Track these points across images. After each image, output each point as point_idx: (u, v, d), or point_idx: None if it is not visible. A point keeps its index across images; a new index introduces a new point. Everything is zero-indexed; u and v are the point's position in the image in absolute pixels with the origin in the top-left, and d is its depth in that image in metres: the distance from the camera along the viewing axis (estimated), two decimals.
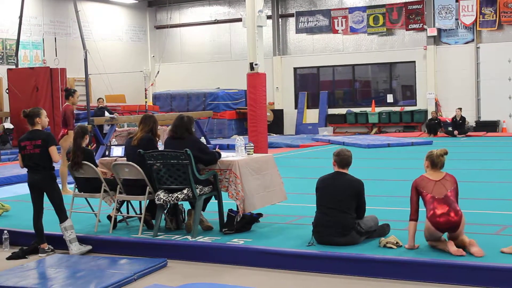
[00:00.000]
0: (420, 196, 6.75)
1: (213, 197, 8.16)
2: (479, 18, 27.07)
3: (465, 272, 6.17)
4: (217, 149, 8.29)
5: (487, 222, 7.77)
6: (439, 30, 27.91)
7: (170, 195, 7.78)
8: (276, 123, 29.29)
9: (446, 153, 6.85)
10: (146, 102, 27.09)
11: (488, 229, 7.44)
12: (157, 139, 8.44)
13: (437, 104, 27.52)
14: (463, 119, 24.88)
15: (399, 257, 6.50)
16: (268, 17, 29.00)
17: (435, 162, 6.79)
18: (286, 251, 6.95)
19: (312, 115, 29.87)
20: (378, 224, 7.29)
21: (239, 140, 8.56)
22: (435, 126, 25.26)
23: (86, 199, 8.89)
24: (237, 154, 8.45)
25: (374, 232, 7.20)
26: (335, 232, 6.97)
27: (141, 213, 8.36)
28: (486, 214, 8.41)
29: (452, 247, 6.51)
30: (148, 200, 8.11)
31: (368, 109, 28.73)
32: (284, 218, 8.64)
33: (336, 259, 6.69)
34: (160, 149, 8.24)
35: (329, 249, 6.86)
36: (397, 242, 6.84)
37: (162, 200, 7.77)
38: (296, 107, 30.36)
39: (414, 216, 6.81)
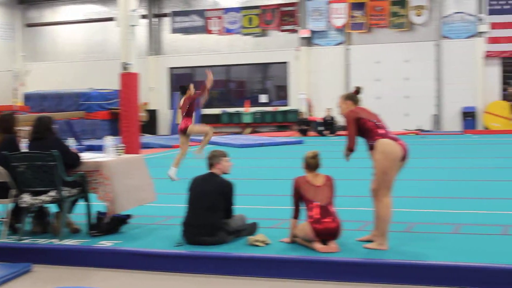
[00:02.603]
0: (300, 197, 6.89)
1: (81, 198, 8.01)
2: (350, 20, 27.86)
3: (331, 268, 6.33)
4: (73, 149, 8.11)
5: (353, 219, 8.00)
6: (312, 32, 28.53)
7: (36, 197, 7.56)
8: (151, 123, 29.09)
9: (316, 155, 7.04)
10: (14, 102, 26.26)
11: (354, 225, 7.67)
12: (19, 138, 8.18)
13: (309, 104, 28.13)
14: (333, 119, 25.54)
15: (267, 255, 6.59)
16: (143, 17, 28.83)
17: (307, 164, 7.00)
18: (154, 252, 6.91)
19: None
20: (246, 223, 7.38)
21: (109, 141, 8.46)
22: (305, 125, 25.80)
23: None
24: (106, 155, 8.33)
25: (242, 231, 7.28)
26: (204, 232, 7.00)
27: (5, 217, 8.09)
28: (355, 211, 8.66)
29: (318, 244, 6.68)
30: (13, 203, 7.86)
31: (242, 109, 29.00)
32: (154, 219, 8.59)
33: (204, 258, 6.71)
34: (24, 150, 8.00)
35: (198, 249, 6.87)
36: (264, 240, 6.94)
37: (27, 203, 7.55)
38: (171, 107, 30.25)
39: (295, 214, 6.98)
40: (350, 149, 6.94)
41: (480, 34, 26.65)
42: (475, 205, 9.38)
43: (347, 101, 7.15)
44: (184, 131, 13.46)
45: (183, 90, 13.59)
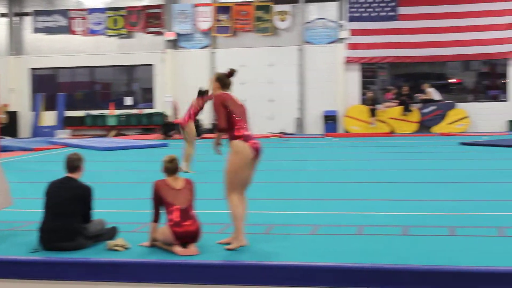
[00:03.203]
0: (160, 201, 6.90)
1: None
2: (215, 24, 28.06)
3: (191, 271, 6.37)
4: None
5: (214, 221, 8.09)
6: (177, 35, 28.53)
7: None
8: (11, 126, 28.15)
9: (173, 159, 7.06)
10: None
11: (215, 227, 7.76)
12: None
13: (175, 107, 28.07)
14: (198, 121, 25.58)
15: (126, 259, 6.55)
16: (3, 15, 27.97)
17: (165, 168, 7.03)
18: (8, 259, 6.70)
19: (49, 118, 29.13)
20: (105, 228, 7.31)
21: None
22: (169, 128, 25.73)
23: None
24: None
25: (102, 235, 7.20)
26: (62, 237, 6.87)
27: None
28: (215, 213, 8.75)
29: (178, 247, 6.71)
30: None
31: (107, 112, 28.62)
32: (9, 225, 8.32)
33: (62, 264, 6.59)
34: None
35: (56, 254, 6.74)
36: (124, 245, 6.90)
37: None
38: (32, 109, 29.43)
39: (155, 218, 6.98)
40: (221, 130, 6.97)
41: (340, 40, 27.48)
42: (333, 206, 9.67)
43: (216, 82, 7.22)
44: (183, 127, 14.39)
45: (202, 93, 14.41)
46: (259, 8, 27.84)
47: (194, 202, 7.00)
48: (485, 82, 28.24)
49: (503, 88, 27.27)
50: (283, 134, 26.67)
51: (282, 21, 27.89)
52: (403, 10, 26.99)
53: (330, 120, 27.28)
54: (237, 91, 26.14)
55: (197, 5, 28.44)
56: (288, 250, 6.81)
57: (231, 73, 7.32)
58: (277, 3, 27.96)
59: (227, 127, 6.95)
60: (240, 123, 6.98)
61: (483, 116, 26.62)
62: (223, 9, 28.08)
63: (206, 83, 27.90)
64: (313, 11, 27.93)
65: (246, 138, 6.92)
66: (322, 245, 7.04)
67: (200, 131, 25.50)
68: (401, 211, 9.16)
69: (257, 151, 6.96)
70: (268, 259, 6.45)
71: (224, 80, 7.23)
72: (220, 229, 7.80)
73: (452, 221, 8.25)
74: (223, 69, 24.02)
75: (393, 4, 27.02)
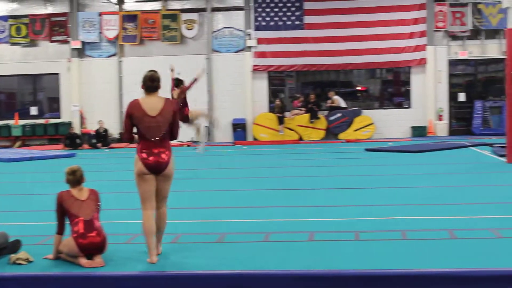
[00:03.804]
0: (64, 212, 6.77)
1: None
2: (122, 32, 27.81)
3: (96, 283, 6.30)
4: None
5: (121, 232, 8.01)
6: (83, 43, 28.13)
7: None
8: None
9: (74, 171, 6.92)
10: None
11: (122, 238, 7.68)
12: None
13: (82, 117, 27.68)
14: (106, 131, 25.33)
15: (29, 273, 6.41)
16: None
17: (67, 180, 6.92)
18: None
19: None
20: (8, 241, 7.13)
21: None
22: (75, 139, 25.26)
23: None
24: None
25: (3, 249, 7.02)
26: None
27: None
28: (123, 224, 8.67)
29: (83, 259, 6.61)
30: None
31: (12, 122, 27.93)
32: None
33: None
34: None
35: None
36: (27, 258, 6.75)
37: None
38: None
39: (59, 230, 6.85)
40: (126, 141, 6.96)
41: (248, 48, 27.65)
42: (240, 214, 9.71)
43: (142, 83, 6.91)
44: (185, 120, 15.16)
45: (179, 83, 15.87)
46: (166, 16, 27.74)
47: (99, 213, 6.91)
48: (389, 89, 28.95)
49: (406, 95, 28.00)
50: (192, 143, 26.60)
51: (190, 29, 27.87)
52: (308, 19, 27.38)
53: (239, 128, 27.39)
54: None
55: (103, 13, 28.12)
56: (195, 259, 6.79)
57: (152, 77, 6.92)
58: (184, 11, 27.92)
59: (132, 139, 6.88)
60: (145, 136, 6.79)
61: (387, 123, 27.29)
62: (130, 18, 27.86)
63: (113, 91, 27.73)
64: (220, 19, 28.02)
65: (146, 154, 6.76)
66: (228, 253, 7.07)
67: (108, 141, 25.23)
68: (306, 217, 9.28)
69: (150, 168, 6.77)
70: (175, 269, 6.43)
71: (146, 82, 6.90)
72: (128, 239, 7.72)
73: (357, 226, 8.41)
74: (130, 78, 23.65)
75: (298, 13, 27.40)
